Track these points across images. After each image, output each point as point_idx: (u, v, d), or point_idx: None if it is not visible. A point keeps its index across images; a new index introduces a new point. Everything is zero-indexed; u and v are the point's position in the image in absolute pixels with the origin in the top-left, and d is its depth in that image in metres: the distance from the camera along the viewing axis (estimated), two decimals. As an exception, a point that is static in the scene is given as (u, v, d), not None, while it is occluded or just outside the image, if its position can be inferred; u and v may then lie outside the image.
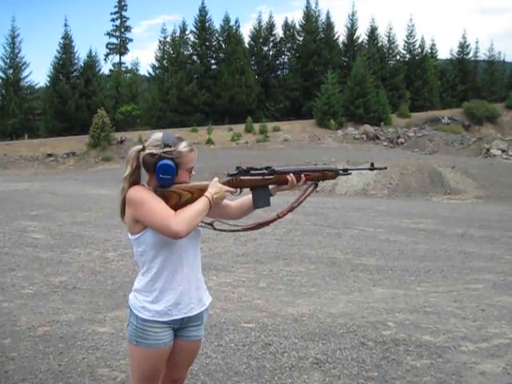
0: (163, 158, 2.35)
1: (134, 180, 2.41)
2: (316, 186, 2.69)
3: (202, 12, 52.11)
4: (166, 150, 2.36)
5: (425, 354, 4.40)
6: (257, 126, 42.53)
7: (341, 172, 2.71)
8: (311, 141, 40.81)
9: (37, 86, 49.20)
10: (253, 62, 54.51)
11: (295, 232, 10.65)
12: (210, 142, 39.44)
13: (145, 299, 2.44)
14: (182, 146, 2.41)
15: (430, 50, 60.79)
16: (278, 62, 57.04)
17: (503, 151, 35.12)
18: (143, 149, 2.40)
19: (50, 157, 36.40)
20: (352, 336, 4.78)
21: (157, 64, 51.41)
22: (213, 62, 52.87)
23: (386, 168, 3.08)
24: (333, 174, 2.68)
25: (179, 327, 2.52)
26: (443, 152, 36.46)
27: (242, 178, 2.57)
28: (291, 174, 2.59)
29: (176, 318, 2.46)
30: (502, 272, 7.65)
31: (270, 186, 2.63)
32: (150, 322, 2.42)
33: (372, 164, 2.80)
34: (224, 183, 2.52)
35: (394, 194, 21.57)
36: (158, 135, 2.43)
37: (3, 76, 46.04)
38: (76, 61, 47.59)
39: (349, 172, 2.71)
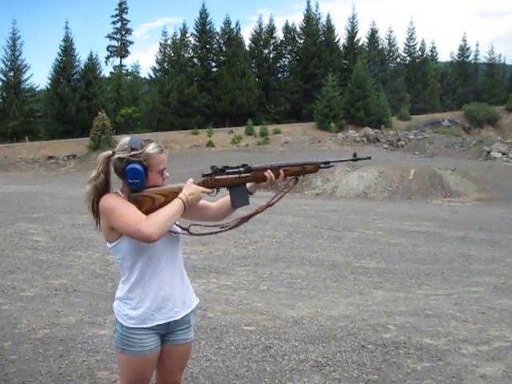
0: (131, 161, 2.32)
1: (99, 185, 2.38)
2: (297, 180, 2.63)
3: (203, 15, 52.20)
4: (132, 153, 2.33)
5: (425, 356, 4.39)
6: (257, 129, 42.52)
7: (322, 165, 2.62)
8: (312, 143, 40.80)
9: (37, 89, 49.30)
10: (253, 65, 54.50)
11: (295, 235, 10.64)
12: (210, 144, 39.44)
13: (127, 306, 2.43)
14: (150, 148, 2.36)
15: (430, 53, 60.90)
16: (278, 64, 57.03)
17: (503, 154, 35.11)
18: (113, 154, 2.38)
19: (50, 159, 36.41)
20: (352, 339, 4.78)
21: (157, 67, 51.46)
22: (213, 64, 52.92)
23: (369, 158, 2.93)
24: (313, 167, 2.61)
25: (166, 332, 2.50)
26: (443, 155, 36.44)
27: (217, 177, 2.52)
28: (269, 171, 2.53)
29: (160, 322, 2.44)
30: (502, 275, 7.65)
31: (248, 184, 2.58)
32: (134, 329, 2.41)
33: (355, 154, 2.70)
34: (199, 184, 2.48)
35: (394, 197, 21.54)
36: (125, 139, 2.41)
37: (4, 78, 46.08)
38: (77, 63, 47.63)
39: (330, 164, 2.64)
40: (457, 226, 12.79)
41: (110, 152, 2.40)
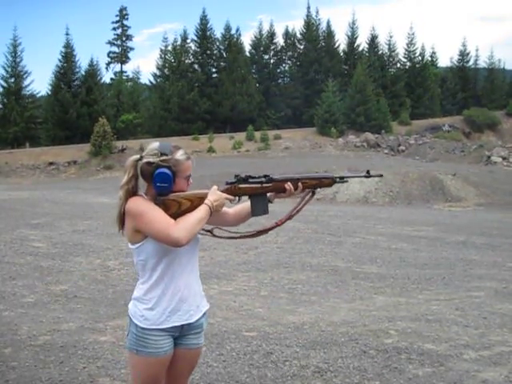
0: (160, 166, 2.39)
1: (131, 189, 2.44)
2: (313, 193, 2.72)
3: (203, 20, 52.32)
4: (162, 158, 2.40)
5: (427, 362, 4.38)
6: (258, 134, 42.57)
7: (337, 180, 2.74)
8: (312, 149, 40.84)
9: (38, 95, 49.27)
10: (254, 71, 54.67)
11: (296, 240, 10.63)
12: (211, 150, 39.49)
13: (144, 307, 2.46)
14: (179, 154, 2.44)
15: (430, 58, 60.91)
16: (278, 70, 57.20)
17: (504, 158, 35.14)
18: (140, 158, 2.44)
19: (51, 165, 36.43)
20: (354, 344, 4.76)
21: (158, 72, 51.56)
22: (214, 70, 52.99)
23: (381, 175, 3.11)
24: (330, 181, 2.71)
25: (179, 335, 2.53)
26: (444, 159, 36.45)
27: (240, 186, 2.61)
28: (289, 183, 2.63)
29: (176, 324, 2.48)
30: (503, 279, 7.63)
31: (268, 194, 2.66)
32: (149, 330, 2.44)
33: (368, 171, 2.83)
34: (223, 191, 2.55)
35: (395, 202, 21.54)
36: (154, 144, 2.48)
37: (5, 85, 46.10)
38: (77, 69, 47.68)
39: (345, 180, 2.75)
40: (458, 230, 12.78)
41: (138, 156, 2.47)
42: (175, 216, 2.40)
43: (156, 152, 2.42)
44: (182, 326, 2.51)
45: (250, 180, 2.63)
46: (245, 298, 6.38)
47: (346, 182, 2.79)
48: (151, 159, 2.41)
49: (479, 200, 21.72)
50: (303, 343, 4.79)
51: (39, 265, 7.97)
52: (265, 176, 2.65)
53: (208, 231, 2.64)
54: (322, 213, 15.72)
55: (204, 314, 2.62)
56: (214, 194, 2.48)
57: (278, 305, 6.14)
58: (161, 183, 2.39)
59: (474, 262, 8.93)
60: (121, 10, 61.54)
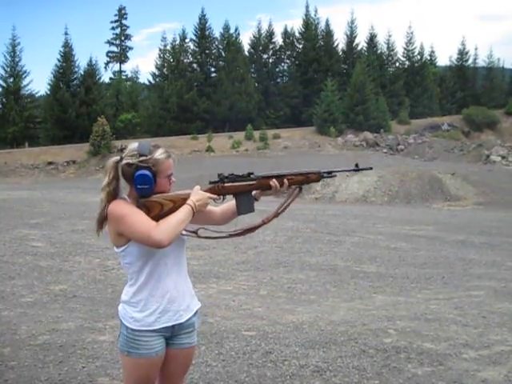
0: (140, 167, 2.36)
1: (112, 191, 2.41)
2: (300, 189, 2.68)
3: (202, 20, 52.34)
4: (141, 159, 2.37)
5: (426, 361, 4.38)
6: (257, 134, 42.56)
7: (325, 175, 2.69)
8: (311, 148, 40.85)
9: (37, 95, 49.30)
10: (252, 70, 54.68)
11: (296, 239, 10.63)
12: (210, 149, 39.48)
13: (133, 309, 2.45)
14: (158, 154, 2.41)
15: (429, 57, 61.04)
16: (277, 69, 57.24)
17: (503, 157, 35.17)
18: (121, 159, 2.42)
19: (50, 165, 36.43)
20: (353, 344, 4.76)
21: (157, 72, 51.60)
22: (213, 69, 53.03)
23: (371, 168, 3.02)
24: (316, 176, 2.68)
25: (171, 335, 2.52)
26: (443, 159, 36.49)
27: (224, 184, 2.57)
28: (274, 180, 2.60)
29: (166, 325, 2.47)
30: (502, 279, 7.64)
31: (254, 192, 2.63)
32: (140, 331, 2.43)
33: (357, 165, 2.78)
34: (206, 191, 2.53)
35: (394, 201, 21.55)
36: (133, 145, 2.45)
37: (4, 84, 46.09)
38: (76, 69, 47.69)
39: (333, 174, 2.71)
40: (457, 229, 12.79)
41: (118, 157, 2.44)
42: (158, 218, 2.37)
43: (135, 153, 2.39)
44: (173, 326, 2.50)
45: (234, 178, 2.59)
46: (244, 298, 6.38)
47: (335, 176, 2.74)
48: (130, 160, 2.38)
49: (478, 199, 21.73)
50: (302, 342, 4.79)
51: (38, 264, 7.96)
52: (249, 174, 2.61)
53: (193, 232, 2.60)
54: (321, 212, 15.73)
55: (195, 312, 2.61)
56: (197, 194, 2.45)
57: (277, 304, 6.13)
58: (141, 185, 2.36)
59: (474, 261, 8.93)
60: (120, 10, 61.47)
